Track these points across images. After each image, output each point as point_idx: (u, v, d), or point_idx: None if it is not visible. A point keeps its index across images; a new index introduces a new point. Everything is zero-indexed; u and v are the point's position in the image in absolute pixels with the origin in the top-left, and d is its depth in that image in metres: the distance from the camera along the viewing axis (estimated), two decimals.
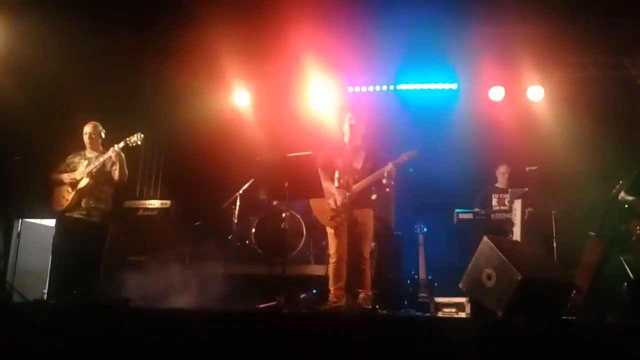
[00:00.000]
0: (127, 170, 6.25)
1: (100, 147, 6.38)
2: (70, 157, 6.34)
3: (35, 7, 6.64)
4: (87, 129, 6.35)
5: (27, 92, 7.03)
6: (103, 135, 6.40)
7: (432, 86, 8.13)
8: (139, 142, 6.22)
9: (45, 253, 6.54)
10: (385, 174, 5.72)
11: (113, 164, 6.21)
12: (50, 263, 6.39)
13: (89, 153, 6.34)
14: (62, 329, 4.33)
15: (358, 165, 5.89)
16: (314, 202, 5.94)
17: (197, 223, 7.16)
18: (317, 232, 7.13)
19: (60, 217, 6.22)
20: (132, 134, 6.22)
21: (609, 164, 6.75)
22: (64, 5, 6.62)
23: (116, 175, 6.22)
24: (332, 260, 5.81)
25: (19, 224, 6.82)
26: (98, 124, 6.40)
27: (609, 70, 7.62)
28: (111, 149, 6.17)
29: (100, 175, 6.21)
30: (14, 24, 6.92)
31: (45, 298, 6.48)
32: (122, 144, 6.18)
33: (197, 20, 7.02)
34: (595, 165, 7.00)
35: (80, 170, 6.20)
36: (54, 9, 6.61)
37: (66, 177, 6.19)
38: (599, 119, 7.25)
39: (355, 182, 5.82)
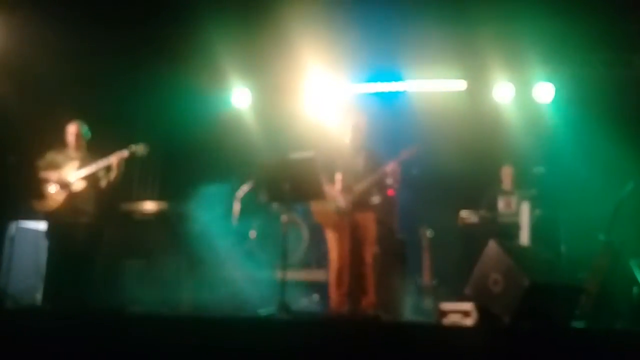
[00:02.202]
0: (121, 178, 6.19)
1: (84, 147, 6.31)
2: (51, 154, 6.25)
3: (27, 5, 6.59)
4: (73, 128, 6.29)
5: (21, 92, 6.98)
6: (88, 135, 6.34)
7: (438, 85, 8.02)
8: (143, 154, 6.17)
9: (40, 257, 6.46)
10: (389, 174, 5.62)
11: (110, 169, 6.13)
12: (45, 267, 6.29)
13: (73, 153, 6.26)
14: (56, 335, 4.26)
15: (360, 166, 5.78)
16: (315, 206, 5.83)
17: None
18: (319, 236, 7.05)
19: (50, 219, 6.15)
20: (135, 142, 6.17)
21: (619, 165, 6.63)
22: (57, 3, 6.56)
23: (111, 179, 6.15)
24: (333, 265, 5.69)
25: (13, 228, 6.73)
26: (82, 123, 6.33)
27: (619, 68, 7.49)
28: (116, 155, 6.09)
29: (92, 178, 6.14)
30: (6, 23, 6.85)
31: (39, 303, 6.39)
32: (127, 153, 6.11)
33: (195, 18, 6.96)
34: (604, 166, 6.90)
35: (70, 171, 6.12)
36: (46, 7, 6.57)
37: (53, 174, 6.10)
38: (608, 119, 7.14)
39: (358, 183, 5.71)
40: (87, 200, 6.14)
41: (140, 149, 6.16)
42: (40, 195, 6.14)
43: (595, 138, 7.05)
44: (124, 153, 6.12)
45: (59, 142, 6.34)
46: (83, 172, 6.11)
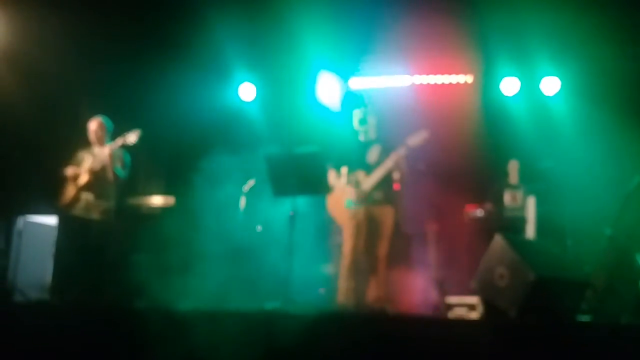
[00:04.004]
0: (120, 171, 6.19)
1: (107, 142, 6.33)
2: (80, 153, 6.31)
3: (34, 1, 6.61)
4: (92, 125, 6.32)
5: (28, 87, 7.01)
6: (110, 130, 6.36)
7: (445, 79, 8.00)
8: (136, 141, 6.14)
9: (47, 251, 6.50)
10: (393, 165, 5.62)
11: (106, 160, 6.15)
12: (52, 262, 6.33)
13: (96, 149, 6.31)
14: (63, 328, 4.30)
15: (372, 160, 5.80)
16: (329, 200, 5.85)
17: None
18: (325, 230, 7.05)
19: (61, 214, 6.21)
20: (130, 131, 6.14)
21: (626, 159, 6.60)
22: None
23: (111, 171, 6.17)
24: (345, 258, 5.72)
25: (21, 222, 6.77)
26: (103, 119, 6.36)
27: (626, 61, 7.44)
28: (109, 146, 6.12)
29: (101, 172, 6.15)
30: (14, 17, 6.89)
31: (47, 298, 6.43)
32: (119, 143, 6.11)
33: (201, 11, 6.96)
34: (611, 160, 6.86)
35: (84, 166, 6.17)
36: (53, 3, 6.57)
37: (70, 169, 6.16)
38: (615, 112, 7.09)
39: (368, 178, 5.72)
40: (98, 194, 6.17)
41: (133, 136, 6.11)
42: (62, 192, 6.19)
43: (602, 132, 7.02)
44: (117, 142, 6.12)
45: (85, 140, 6.39)
46: (86, 165, 6.15)
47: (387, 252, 5.73)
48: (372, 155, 5.82)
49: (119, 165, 6.23)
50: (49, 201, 6.26)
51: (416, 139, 5.68)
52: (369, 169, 5.75)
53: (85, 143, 6.38)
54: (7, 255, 6.59)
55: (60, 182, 6.20)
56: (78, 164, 6.22)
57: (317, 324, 4.13)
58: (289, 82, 8.27)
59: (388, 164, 5.68)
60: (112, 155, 6.11)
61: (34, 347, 4.20)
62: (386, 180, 5.74)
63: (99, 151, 6.26)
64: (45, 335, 4.27)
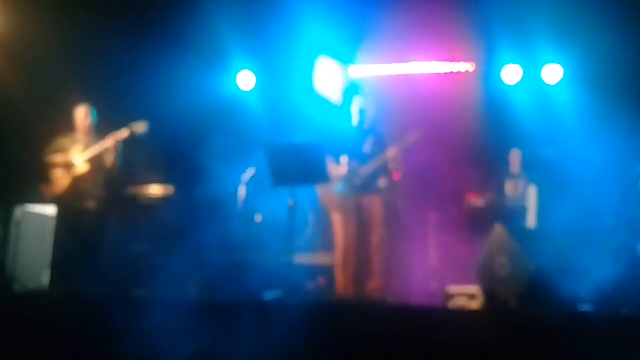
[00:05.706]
0: (120, 160, 6.19)
1: (92, 130, 6.34)
2: (59, 139, 6.31)
3: None
4: (81, 112, 6.32)
5: (25, 75, 6.99)
6: (95, 118, 6.39)
7: (446, 67, 7.96)
8: (143, 132, 6.15)
9: (46, 241, 6.49)
10: (390, 160, 5.63)
11: (109, 150, 6.15)
12: (51, 251, 6.33)
13: (81, 136, 6.31)
14: (62, 318, 4.32)
15: (367, 150, 5.82)
16: (320, 189, 5.85)
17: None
18: (325, 220, 7.06)
19: (57, 203, 6.22)
20: (136, 121, 6.18)
21: (628, 148, 6.58)
22: None
23: (109, 162, 6.17)
24: (339, 248, 5.75)
25: (20, 212, 6.76)
26: (89, 106, 6.37)
27: (629, 49, 7.37)
28: (112, 136, 6.10)
29: (97, 161, 6.17)
30: (10, 4, 6.87)
31: (46, 287, 6.44)
32: (126, 133, 6.11)
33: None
34: (613, 149, 6.83)
35: (76, 154, 6.16)
36: None
37: (60, 157, 6.15)
38: (617, 101, 7.05)
39: (363, 167, 5.72)
40: (93, 183, 6.20)
41: (140, 126, 6.16)
42: (48, 179, 6.19)
43: (605, 121, 6.99)
44: (124, 133, 6.15)
45: (67, 127, 6.38)
46: (86, 155, 6.16)
47: (380, 240, 5.75)
48: (367, 146, 5.84)
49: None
50: (45, 191, 6.25)
51: (413, 138, 5.70)
52: (363, 158, 5.76)
53: (65, 130, 6.38)
54: (6, 246, 6.59)
55: (46, 168, 6.21)
56: (62, 152, 6.21)
57: (316, 313, 4.15)
58: (289, 71, 8.24)
59: (385, 157, 5.70)
60: (117, 146, 6.13)
61: (32, 335, 4.21)
62: (377, 171, 5.77)
63: (90, 139, 6.26)
64: (43, 324, 4.28)
